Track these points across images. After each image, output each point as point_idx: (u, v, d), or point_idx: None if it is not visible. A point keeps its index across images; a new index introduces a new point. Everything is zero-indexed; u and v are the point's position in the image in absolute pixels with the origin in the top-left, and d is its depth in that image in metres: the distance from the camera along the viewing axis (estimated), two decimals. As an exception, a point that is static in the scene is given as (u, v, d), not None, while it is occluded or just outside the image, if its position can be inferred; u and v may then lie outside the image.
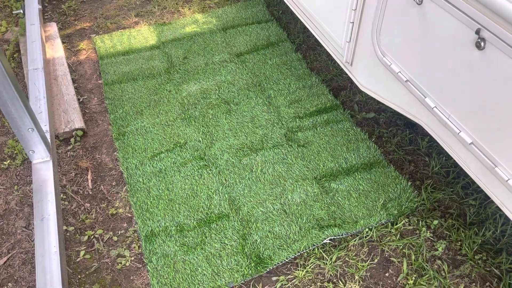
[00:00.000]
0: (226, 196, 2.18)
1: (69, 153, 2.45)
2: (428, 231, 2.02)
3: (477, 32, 1.40)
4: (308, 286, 1.86)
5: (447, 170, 2.29)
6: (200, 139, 2.47)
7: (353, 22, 2.10)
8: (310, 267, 1.91)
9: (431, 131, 1.78)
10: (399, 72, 1.86)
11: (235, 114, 2.62)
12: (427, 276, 1.87)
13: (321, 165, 2.29)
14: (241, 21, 3.39)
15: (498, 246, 1.96)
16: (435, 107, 1.70)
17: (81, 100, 2.79)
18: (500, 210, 2.00)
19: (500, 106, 1.42)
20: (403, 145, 2.44)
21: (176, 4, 3.66)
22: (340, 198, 2.14)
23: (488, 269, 1.89)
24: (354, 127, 2.50)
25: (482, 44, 1.40)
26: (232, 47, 3.14)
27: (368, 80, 2.14)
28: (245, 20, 3.40)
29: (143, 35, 3.30)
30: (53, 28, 3.33)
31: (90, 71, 3.03)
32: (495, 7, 1.31)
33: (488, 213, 2.07)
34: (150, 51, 3.14)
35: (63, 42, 3.26)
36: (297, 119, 2.56)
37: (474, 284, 1.85)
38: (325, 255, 1.95)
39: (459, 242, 1.99)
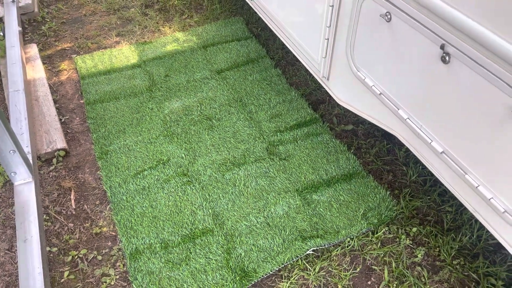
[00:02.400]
0: (210, 211, 2.21)
1: (51, 173, 2.45)
2: (407, 239, 2.08)
3: (442, 47, 1.48)
4: (293, 298, 1.89)
5: (424, 178, 2.36)
6: (183, 155, 2.50)
7: (328, 39, 2.18)
8: (294, 278, 1.94)
9: (406, 142, 1.85)
10: (373, 85, 1.93)
11: (217, 130, 2.66)
12: (407, 282, 1.92)
13: (303, 178, 2.34)
14: (221, 39, 3.46)
15: (474, 251, 2.03)
16: (408, 118, 1.78)
17: (63, 120, 2.79)
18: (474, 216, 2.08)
19: (466, 116, 1.49)
20: (381, 156, 2.51)
21: (157, 23, 3.71)
22: (321, 209, 2.18)
23: (466, 273, 1.95)
24: (334, 139, 2.57)
25: (447, 58, 1.48)
26: (213, 64, 3.20)
27: (345, 94, 2.21)
28: (225, 37, 3.47)
29: (124, 54, 3.34)
30: (33, 49, 3.34)
31: (72, 91, 3.04)
32: (458, 24, 1.39)
33: (464, 219, 2.15)
34: (131, 70, 3.18)
35: (43, 63, 3.27)
36: (278, 133, 2.61)
37: (453, 288, 1.91)
38: (308, 266, 1.98)
39: (438, 248, 2.05)
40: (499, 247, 2.03)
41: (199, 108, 2.82)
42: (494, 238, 2.04)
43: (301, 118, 2.71)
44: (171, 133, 2.65)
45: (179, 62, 3.22)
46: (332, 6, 2.05)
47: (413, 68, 1.66)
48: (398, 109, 1.82)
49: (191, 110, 2.81)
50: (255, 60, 3.22)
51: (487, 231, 2.07)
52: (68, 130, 2.73)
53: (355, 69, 2.04)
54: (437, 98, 1.60)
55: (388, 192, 2.25)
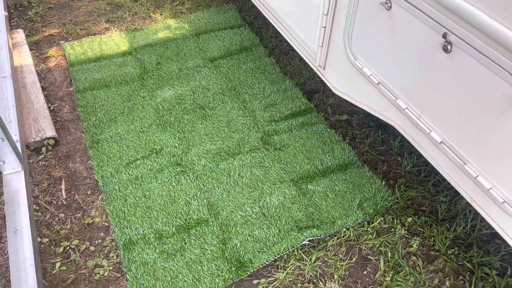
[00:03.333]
0: (205, 201, 2.18)
1: (41, 162, 2.39)
2: (402, 229, 2.08)
3: (444, 36, 1.46)
4: (289, 288, 1.88)
5: (418, 168, 2.36)
6: (176, 145, 2.46)
7: (325, 27, 2.14)
8: (290, 268, 1.93)
9: (404, 132, 1.84)
10: (371, 75, 1.91)
11: (211, 119, 2.62)
12: (403, 272, 1.92)
13: (298, 168, 2.32)
14: (213, 26, 3.40)
15: (469, 241, 2.04)
16: (406, 108, 1.76)
17: (51, 108, 2.72)
18: (469, 205, 2.09)
19: (466, 106, 1.48)
20: (376, 146, 2.50)
21: (147, 10, 3.63)
22: (317, 199, 2.17)
23: (460, 263, 1.97)
24: (328, 129, 2.55)
25: (449, 47, 1.46)
26: (205, 52, 3.14)
27: (341, 83, 2.19)
28: (217, 25, 3.41)
29: (114, 41, 3.26)
30: (20, 35, 3.24)
31: (60, 78, 2.96)
32: (461, 12, 1.37)
33: (458, 209, 2.16)
34: (122, 57, 3.11)
35: (31, 49, 3.18)
36: (272, 123, 2.59)
37: (447, 278, 1.92)
38: (304, 256, 1.98)
39: (432, 238, 2.05)
40: (492, 236, 2.05)
41: (192, 96, 2.77)
42: (487, 228, 2.06)
43: (295, 108, 2.69)
44: (163, 122, 2.60)
45: (171, 50, 3.16)
46: (330, -7, 2.02)
47: (413, 57, 1.64)
48: (397, 99, 1.80)
49: (184, 98, 2.76)
50: (249, 49, 3.18)
51: (481, 221, 2.09)
52: (57, 119, 2.66)
53: (353, 58, 2.02)
54: (437, 87, 1.58)
55: (383, 183, 2.25)
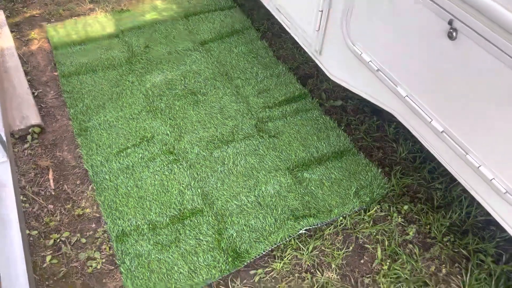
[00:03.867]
0: (199, 190, 2.13)
1: (26, 151, 2.30)
2: (399, 217, 2.07)
3: (450, 22, 1.42)
4: (286, 278, 1.86)
5: (413, 155, 2.35)
6: (168, 132, 2.39)
7: (322, 11, 2.08)
8: (287, 258, 1.91)
9: (403, 120, 1.81)
10: (370, 61, 1.87)
11: (203, 105, 2.55)
12: (400, 260, 1.92)
13: (293, 155, 2.28)
14: (203, 8, 3.29)
15: (464, 228, 2.04)
16: (407, 96, 1.73)
17: (36, 94, 2.61)
18: (465, 192, 2.09)
19: (470, 95, 1.45)
20: (371, 132, 2.48)
21: (134, -11, 3.49)
22: (313, 188, 2.14)
23: (456, 250, 1.97)
24: (323, 116, 2.51)
25: (454, 34, 1.42)
26: (195, 35, 3.04)
27: (338, 69, 2.14)
28: (207, 6, 3.30)
29: (100, 23, 3.13)
30: (0, 16, 3.09)
31: (44, 62, 2.84)
32: (468, -2, 1.32)
33: (453, 196, 2.15)
34: (108, 40, 2.99)
35: (12, 31, 3.03)
36: (266, 109, 2.53)
37: (444, 265, 1.92)
38: (301, 246, 1.96)
39: (428, 226, 2.05)
40: (487, 223, 2.05)
41: (182, 82, 2.69)
42: (483, 215, 2.06)
43: (289, 94, 2.63)
44: (154, 108, 2.52)
45: (159, 33, 3.05)
46: (328, -25, 1.95)
47: (415, 43, 1.59)
48: (397, 86, 1.76)
49: (174, 84, 2.68)
50: (240, 32, 3.09)
51: (476, 208, 2.09)
52: (42, 105, 2.56)
53: (351, 43, 1.96)
54: (440, 75, 1.55)
55: (379, 170, 2.22)
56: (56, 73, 2.75)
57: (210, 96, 2.61)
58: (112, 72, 2.75)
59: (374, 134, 2.47)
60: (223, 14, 3.22)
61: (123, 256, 1.89)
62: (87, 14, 3.23)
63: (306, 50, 2.35)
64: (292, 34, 2.41)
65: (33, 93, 2.58)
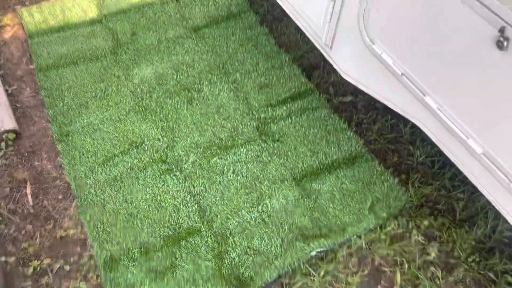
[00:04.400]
0: (196, 206, 1.90)
1: (0, 161, 2.05)
2: (418, 233, 1.87)
3: (501, 30, 1.16)
4: (296, 308, 1.68)
5: (432, 159, 2.13)
6: (160, 136, 2.13)
7: (334, 1, 1.79)
8: (296, 286, 1.72)
9: (432, 135, 1.57)
10: (393, 63, 1.61)
11: (198, 104, 2.28)
12: (421, 286, 1.73)
13: (300, 163, 2.05)
14: (195, -13, 2.95)
15: (489, 245, 1.85)
16: (438, 108, 1.48)
17: (9, 91, 2.33)
18: (489, 204, 1.88)
19: (521, 116, 1.22)
20: (384, 133, 2.24)
21: (117, -35, 3.12)
22: (323, 201, 1.93)
23: (482, 272, 1.79)
24: (332, 115, 2.26)
25: (505, 43, 1.17)
26: (187, 20, 2.73)
27: (353, 68, 1.88)
28: (200, -14, 2.97)
29: (80, 6, 2.80)
30: (-35, -2, 2.74)
31: (18, 53, 2.53)
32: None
33: (477, 207, 1.95)
34: (90, 26, 2.67)
35: (-20, 17, 2.70)
36: (269, 108, 2.27)
37: (469, 290, 1.74)
38: (312, 270, 1.76)
39: (451, 243, 1.86)
40: (516, 240, 1.87)
41: (174, 76, 2.41)
42: (510, 229, 1.87)
43: (294, 89, 2.37)
44: (143, 108, 2.26)
45: (147, 17, 2.73)
46: (344, -40, 1.65)
47: (454, 50, 1.33)
48: (425, 96, 1.52)
49: (165, 78, 2.40)
50: (237, 15, 2.78)
51: (503, 222, 1.90)
52: (17, 105, 2.28)
53: (369, 41, 1.69)
54: (482, 88, 1.30)
55: (396, 180, 2.00)
56: (32, 66, 2.46)
57: (205, 93, 2.34)
58: (95, 64, 2.46)
59: (388, 135, 2.23)
60: (218, -5, 2.89)
61: (113, 286, 1.68)
62: (66, -5, 2.88)
63: (314, 42, 2.07)
64: (299, 24, 2.13)
65: (6, 91, 2.30)
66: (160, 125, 2.18)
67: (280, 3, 2.21)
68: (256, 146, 2.11)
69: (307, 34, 2.09)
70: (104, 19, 2.71)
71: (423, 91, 1.52)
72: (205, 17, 2.75)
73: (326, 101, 2.35)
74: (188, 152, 2.07)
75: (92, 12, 2.75)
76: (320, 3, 1.88)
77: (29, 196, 1.94)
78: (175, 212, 1.88)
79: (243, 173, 2.01)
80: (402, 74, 1.58)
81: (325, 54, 2.03)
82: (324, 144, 2.13)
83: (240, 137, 2.14)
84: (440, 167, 2.10)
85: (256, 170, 2.02)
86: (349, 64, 1.89)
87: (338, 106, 2.35)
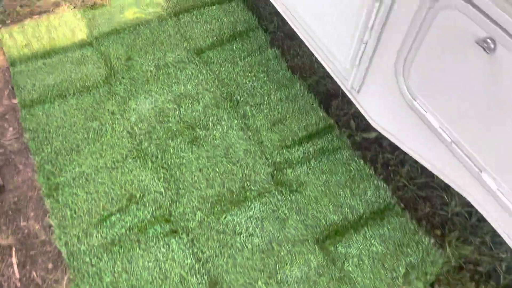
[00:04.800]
0: (206, 278, 1.67)
1: (-19, 222, 1.80)
2: (459, 306, 1.66)
3: None
4: None
5: (468, 210, 1.89)
6: (162, 189, 1.88)
7: (366, 43, 1.51)
8: None
9: (488, 215, 1.32)
10: (440, 128, 1.35)
11: (204, 145, 2.02)
12: None
13: (322, 220, 1.81)
14: (196, 1, 2.64)
15: (539, 318, 1.64)
16: (498, 189, 1.23)
17: (-10, 133, 2.06)
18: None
19: None
20: (413, 177, 1.99)
21: (108, -27, 2.80)
22: (350, 268, 1.70)
23: None
24: (356, 159, 2.01)
25: None
26: (189, 41, 2.44)
27: (385, 118, 1.62)
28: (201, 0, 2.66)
29: (67, 24, 2.49)
30: None
31: (-1, 85, 2.25)
32: None
33: (522, 270, 1.73)
34: (80, 50, 2.38)
35: (-45, 40, 2.40)
36: (284, 150, 2.02)
37: None
38: None
39: (496, 317, 1.64)
40: None
41: (177, 111, 2.14)
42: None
43: (311, 126, 2.10)
44: (142, 152, 2.00)
45: (143, 38, 2.44)
46: (380, 1, 1.37)
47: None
48: (482, 172, 1.26)
49: (166, 115, 2.13)
50: (245, 34, 2.48)
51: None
52: (-1, 150, 2.02)
53: (409, 96, 1.43)
54: None
55: (432, 240, 1.77)
56: (15, 101, 2.18)
57: (212, 131, 2.08)
58: (86, 97, 2.18)
59: (418, 180, 1.99)
60: (222, 10, 2.58)
61: None
62: (51, 10, 2.58)
63: (339, 82, 1.80)
64: (321, 60, 1.85)
65: (-14, 134, 2.03)
66: (162, 173, 1.92)
67: (300, 36, 1.91)
68: (271, 199, 1.86)
69: (330, 72, 1.82)
70: (95, 41, 2.41)
71: (479, 167, 1.27)
72: (209, 37, 2.45)
73: (348, 137, 2.09)
74: (194, 208, 1.83)
75: (81, 32, 2.45)
76: (348, 43, 1.60)
77: (15, 267, 1.70)
78: (182, 284, 1.65)
79: (258, 233, 1.77)
80: (452, 142, 1.32)
81: (350, 97, 1.76)
82: (348, 195, 1.88)
83: (253, 188, 1.89)
84: (478, 219, 1.87)
85: (273, 228, 1.79)
86: (381, 114, 1.63)
87: (360, 143, 2.10)
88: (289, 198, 1.87)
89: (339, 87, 2.31)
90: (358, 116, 2.21)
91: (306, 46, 2.43)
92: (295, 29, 1.93)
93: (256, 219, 1.81)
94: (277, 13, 2.61)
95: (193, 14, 2.55)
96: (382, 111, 1.62)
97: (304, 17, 1.80)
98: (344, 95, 2.29)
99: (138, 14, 2.53)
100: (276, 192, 1.88)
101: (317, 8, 1.70)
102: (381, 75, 1.53)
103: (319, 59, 1.85)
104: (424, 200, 1.94)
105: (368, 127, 2.18)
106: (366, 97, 1.67)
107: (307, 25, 1.81)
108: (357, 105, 1.74)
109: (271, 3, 2.42)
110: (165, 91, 2.21)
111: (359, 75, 1.63)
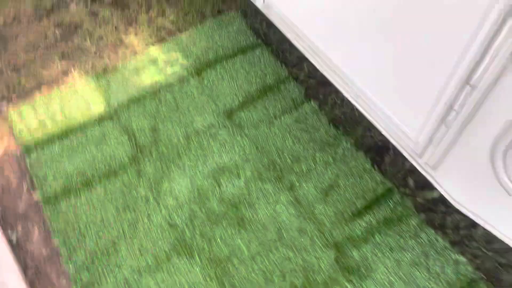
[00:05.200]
0: None
1: None
2: None
3: None
4: None
5: (559, 276, 1.69)
6: (216, 290, 1.68)
7: (448, 127, 1.30)
8: None
9: None
10: (560, 229, 1.14)
11: (252, 228, 1.81)
12: None
13: (402, 311, 1.61)
14: (217, 53, 2.41)
15: None
16: None
17: (13, 240, 1.84)
18: None
19: None
20: (489, 240, 1.79)
21: (116, 29, 2.57)
22: None
23: None
24: (425, 227, 1.80)
25: None
26: (216, 102, 2.22)
27: (474, 202, 1.41)
28: (223, 49, 2.42)
29: (81, 96, 2.27)
30: None
31: (15, 178, 2.03)
32: None
33: None
34: (99, 126, 2.15)
35: (-40, 129, 2.18)
36: (344, 225, 1.81)
37: None
38: None
39: None
40: None
41: (217, 189, 1.93)
42: None
43: (369, 193, 1.89)
44: (187, 246, 1.78)
45: (166, 104, 2.22)
46: (471, 85, 1.16)
47: None
48: None
49: (205, 194, 1.91)
50: (275, 87, 2.26)
51: None
52: (26, 260, 1.80)
53: (510, 184, 1.22)
54: None
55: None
56: (36, 196, 1.96)
57: (258, 209, 1.86)
58: (114, 183, 1.96)
59: (495, 244, 1.78)
60: (246, 61, 2.36)
61: None
62: (60, 80, 2.35)
63: (405, 154, 1.59)
64: (381, 129, 1.63)
65: (9, 241, 1.81)
66: (214, 271, 1.71)
67: (353, 102, 1.69)
68: (341, 293, 1.65)
69: (394, 143, 1.60)
70: (114, 113, 2.19)
71: None
72: (237, 95, 2.23)
73: (408, 198, 1.88)
74: (257, 313, 1.62)
75: (97, 104, 2.23)
76: (421, 121, 1.39)
77: None
78: None
79: (332, 334, 1.57)
80: None
81: (424, 173, 1.55)
82: (425, 276, 1.67)
83: (319, 280, 1.68)
84: None
85: (348, 327, 1.58)
86: (469, 196, 1.42)
87: (422, 205, 1.89)
88: None
89: (385, 138, 2.10)
90: (413, 171, 2.00)
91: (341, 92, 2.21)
92: (352, 102, 1.71)
93: (327, 317, 1.60)
94: (304, 57, 2.40)
95: (216, 69, 2.33)
96: (469, 194, 1.41)
97: (365, 91, 1.58)
98: (394, 147, 2.08)
99: (156, 76, 2.31)
100: (345, 281, 1.67)
101: (384, 81, 1.49)
102: (469, 161, 1.31)
103: (377, 126, 1.63)
104: (506, 268, 1.73)
105: (427, 184, 1.97)
106: (445, 176, 1.46)
107: (367, 98, 1.59)
108: (430, 179, 1.53)
109: (296, 47, 2.18)
110: (199, 164, 2.00)
111: (436, 154, 1.42)
